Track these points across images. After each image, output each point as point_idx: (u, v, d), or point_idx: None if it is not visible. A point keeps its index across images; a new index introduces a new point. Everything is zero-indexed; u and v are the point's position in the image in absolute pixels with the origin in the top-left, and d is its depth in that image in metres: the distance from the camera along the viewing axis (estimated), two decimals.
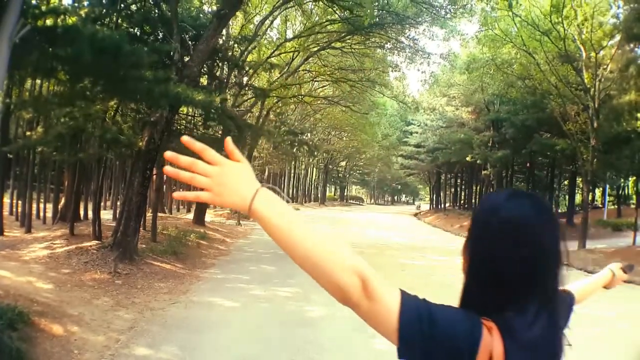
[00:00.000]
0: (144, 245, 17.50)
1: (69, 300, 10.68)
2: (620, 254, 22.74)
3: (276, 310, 11.78)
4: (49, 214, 23.65)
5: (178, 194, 1.55)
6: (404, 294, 1.50)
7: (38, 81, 19.58)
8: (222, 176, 1.44)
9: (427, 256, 24.08)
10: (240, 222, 35.33)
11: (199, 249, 20.62)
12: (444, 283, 16.16)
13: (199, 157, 1.47)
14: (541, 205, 1.67)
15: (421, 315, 1.47)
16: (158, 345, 8.69)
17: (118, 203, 28.50)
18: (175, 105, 15.98)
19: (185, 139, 1.47)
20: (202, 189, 1.45)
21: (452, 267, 20.17)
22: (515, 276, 1.57)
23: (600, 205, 47.89)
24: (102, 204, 22.68)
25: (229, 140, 1.49)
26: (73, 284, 12.22)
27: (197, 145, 1.46)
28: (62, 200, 23.08)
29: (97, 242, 16.49)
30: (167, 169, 1.54)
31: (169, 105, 15.31)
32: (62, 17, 12.50)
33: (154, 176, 22.23)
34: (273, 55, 30.98)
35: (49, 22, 12.86)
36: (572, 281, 2.23)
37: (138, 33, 18.31)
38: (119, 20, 17.18)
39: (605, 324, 11.67)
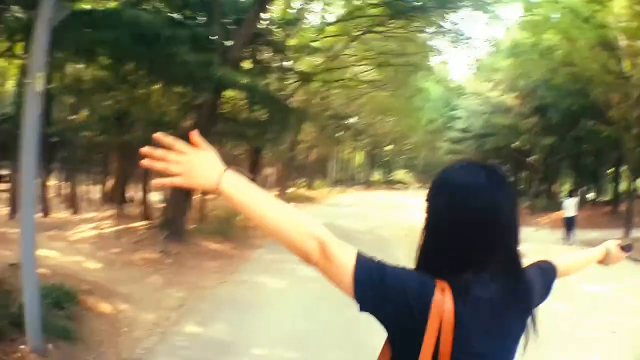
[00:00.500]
0: (193, 226, 17.74)
1: (118, 279, 10.98)
2: None
3: (325, 291, 11.64)
4: (95, 197, 23.91)
5: (157, 181, 1.79)
6: (359, 255, 1.71)
7: (80, 66, 19.81)
8: (191, 163, 1.66)
9: None
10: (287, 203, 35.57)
11: (247, 230, 20.66)
12: None
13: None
14: (495, 174, 1.86)
15: (373, 273, 1.69)
16: (207, 323, 8.94)
17: None
18: (219, 89, 16.14)
19: (157, 135, 1.70)
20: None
21: None
22: (467, 240, 1.76)
23: None
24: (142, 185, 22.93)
25: (194, 133, 1.70)
26: (123, 263, 12.56)
27: (167, 140, 1.67)
28: (111, 182, 23.46)
29: (146, 222, 16.79)
30: (144, 162, 1.71)
31: (213, 89, 15.51)
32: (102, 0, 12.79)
33: None
34: (316, 39, 30.99)
35: (87, 6, 13.11)
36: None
37: (180, 17, 18.48)
38: (159, 5, 17.33)
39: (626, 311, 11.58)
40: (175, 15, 17.75)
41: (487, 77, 49.50)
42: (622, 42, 25.64)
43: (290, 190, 45.19)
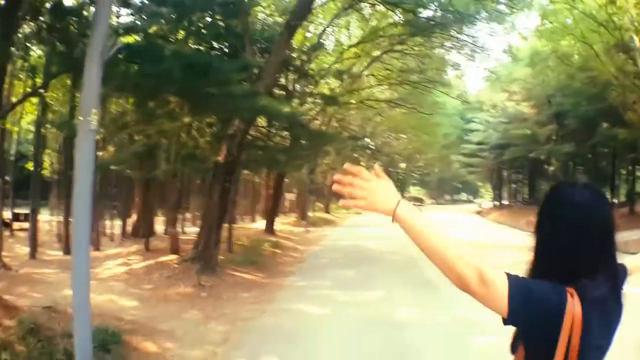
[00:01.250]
0: (222, 257, 17.46)
1: (156, 315, 10.71)
2: None
3: (367, 314, 11.65)
4: (116, 231, 23.60)
5: (343, 202, 2.02)
6: (509, 277, 1.96)
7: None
8: (373, 189, 1.96)
9: (499, 253, 23.63)
10: (309, 229, 35.52)
11: (275, 257, 20.73)
12: None
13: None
14: (599, 194, 2.21)
15: (523, 290, 1.94)
16: (257, 356, 8.62)
17: (186, 216, 28.82)
18: (257, 118, 16.05)
19: (346, 166, 2.01)
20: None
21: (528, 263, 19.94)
22: (584, 251, 2.05)
23: None
24: (168, 218, 22.59)
25: (377, 167, 2.05)
26: (158, 299, 12.29)
27: (354, 169, 1.99)
28: (134, 216, 23.23)
29: (175, 256, 16.55)
30: (334, 186, 2.02)
31: (252, 119, 15.44)
32: (141, 34, 12.66)
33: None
34: (336, 62, 30.75)
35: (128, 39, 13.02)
36: None
37: (208, 49, 18.36)
38: (187, 37, 17.23)
39: None
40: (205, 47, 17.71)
41: (503, 87, 49.27)
42: (638, 42, 25.57)
43: (310, 214, 45.02)
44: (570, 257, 2.07)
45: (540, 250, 2.18)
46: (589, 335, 1.97)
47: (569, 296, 1.96)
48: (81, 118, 6.12)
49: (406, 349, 9.12)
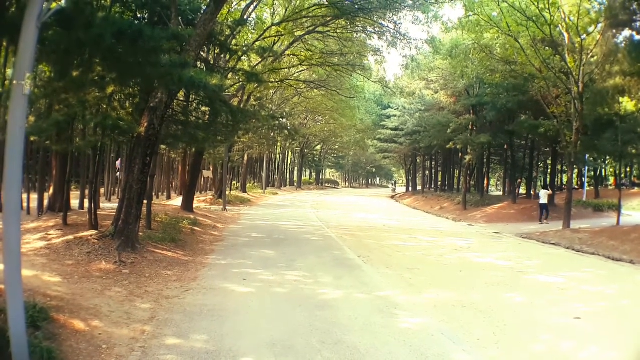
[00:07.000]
0: (141, 234, 17.18)
1: (81, 292, 10.46)
2: (607, 233, 23.00)
3: (291, 294, 11.87)
4: (32, 205, 22.82)
5: None
6: None
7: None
8: None
9: (417, 237, 24.27)
10: (226, 207, 35.35)
11: (195, 235, 20.62)
12: (440, 263, 17.06)
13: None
14: None
15: None
16: (186, 334, 8.56)
17: (101, 191, 28.19)
18: (188, 90, 15.76)
19: None
20: None
21: (443, 247, 20.51)
22: None
23: (576, 187, 48.33)
24: (89, 192, 21.99)
25: None
26: (80, 275, 11.98)
27: None
28: (50, 190, 22.55)
29: (95, 231, 16.17)
30: None
31: (169, 91, 15.17)
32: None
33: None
34: (259, 39, 30.72)
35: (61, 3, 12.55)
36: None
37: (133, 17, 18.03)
38: (113, 5, 16.77)
39: (608, 300, 12.22)
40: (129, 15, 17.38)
41: (422, 76, 49.94)
42: (567, 39, 26.33)
43: (227, 192, 45.05)
44: None
45: None
46: None
47: None
48: (15, 82, 5.90)
49: (332, 325, 9.30)
